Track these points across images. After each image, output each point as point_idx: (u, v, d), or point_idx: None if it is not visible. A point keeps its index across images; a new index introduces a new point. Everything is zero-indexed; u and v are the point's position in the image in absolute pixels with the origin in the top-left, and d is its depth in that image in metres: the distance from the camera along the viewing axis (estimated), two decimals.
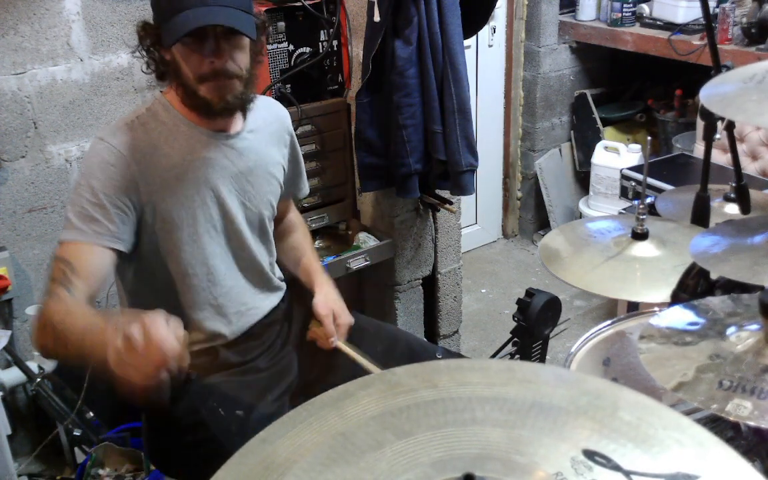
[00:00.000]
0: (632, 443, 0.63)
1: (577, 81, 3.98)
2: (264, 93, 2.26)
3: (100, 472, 2.15)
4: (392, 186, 2.42)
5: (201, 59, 1.43)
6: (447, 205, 2.52)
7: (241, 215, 1.61)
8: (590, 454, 0.62)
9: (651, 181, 2.89)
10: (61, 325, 1.30)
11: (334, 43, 2.40)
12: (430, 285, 2.77)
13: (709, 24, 1.57)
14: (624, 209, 3.01)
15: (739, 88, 1.14)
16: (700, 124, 2.75)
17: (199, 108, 1.50)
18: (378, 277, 2.71)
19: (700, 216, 1.57)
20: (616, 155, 3.64)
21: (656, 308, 1.54)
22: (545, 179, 3.96)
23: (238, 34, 1.43)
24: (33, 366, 2.25)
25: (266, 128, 1.66)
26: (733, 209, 1.70)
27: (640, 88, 4.06)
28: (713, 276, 1.23)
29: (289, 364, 1.71)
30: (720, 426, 1.14)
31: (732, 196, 1.68)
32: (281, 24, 2.27)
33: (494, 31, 3.77)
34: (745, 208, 1.64)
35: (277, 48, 2.29)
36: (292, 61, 2.33)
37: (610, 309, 3.23)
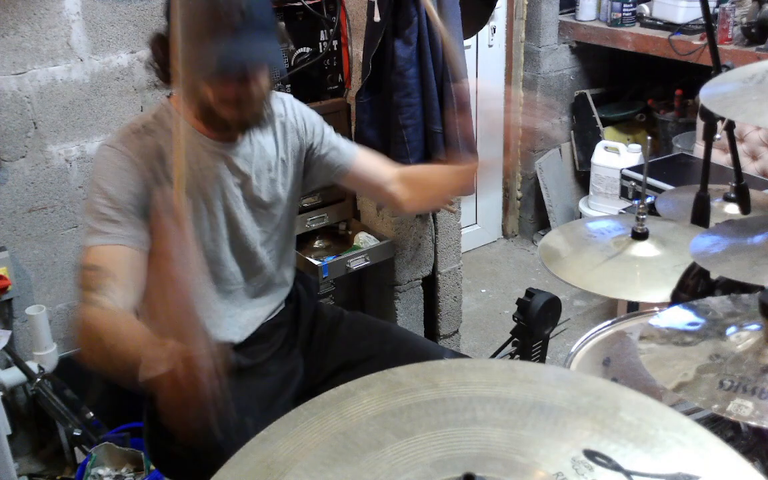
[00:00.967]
0: (633, 443, 0.63)
1: (577, 81, 3.98)
2: None
3: (100, 472, 2.15)
4: None
5: (226, 86, 1.39)
6: (447, 205, 2.52)
7: (248, 220, 1.60)
8: (591, 455, 0.62)
9: (651, 181, 2.89)
10: (106, 335, 1.25)
11: (334, 43, 2.40)
12: (430, 285, 2.77)
13: (709, 24, 1.57)
14: (624, 209, 3.01)
15: (739, 88, 1.14)
16: (700, 124, 2.75)
17: (216, 125, 1.47)
18: (378, 277, 2.71)
19: (700, 216, 1.57)
20: (616, 155, 3.64)
21: (656, 308, 1.54)
22: (545, 179, 3.96)
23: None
24: (33, 366, 2.25)
25: (270, 127, 1.62)
26: (733, 209, 1.69)
27: (640, 88, 4.06)
28: (713, 276, 1.23)
29: (297, 368, 1.70)
30: (720, 426, 1.14)
31: (732, 196, 1.68)
32: (281, 24, 2.26)
33: (494, 31, 3.77)
34: (745, 208, 1.64)
35: None
36: (292, 61, 2.33)
37: (610, 309, 3.23)
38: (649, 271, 1.40)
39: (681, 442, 0.63)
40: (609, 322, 1.64)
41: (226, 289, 1.60)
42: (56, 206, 2.38)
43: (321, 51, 2.38)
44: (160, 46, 1.44)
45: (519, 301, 2.16)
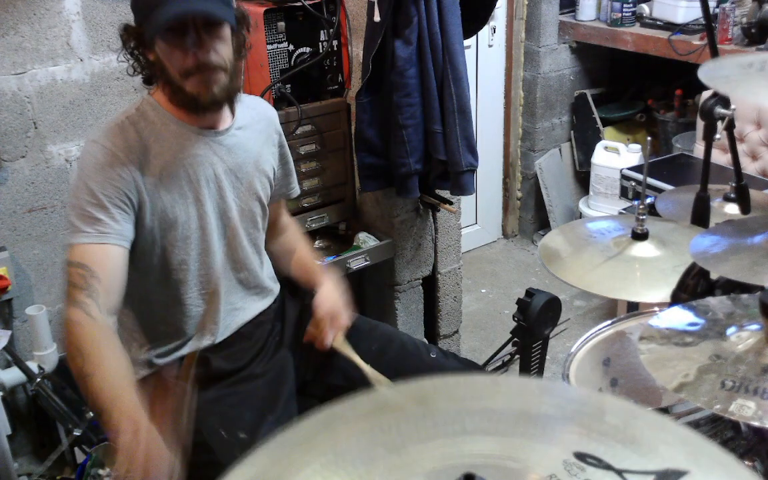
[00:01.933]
0: (621, 444, 0.64)
1: (577, 81, 3.98)
2: (264, 93, 2.26)
3: (100, 472, 2.15)
4: (392, 186, 2.42)
5: (184, 54, 1.43)
6: (447, 205, 2.52)
7: (232, 211, 1.62)
8: (582, 456, 0.62)
9: (651, 181, 2.89)
10: (88, 361, 1.32)
11: (334, 43, 2.40)
12: (430, 285, 2.77)
13: (709, 24, 1.57)
14: (624, 209, 3.01)
15: (739, 71, 1.13)
16: (700, 124, 2.75)
17: (187, 104, 1.50)
18: (378, 277, 2.71)
19: (700, 216, 1.56)
20: (616, 155, 3.64)
21: (656, 308, 1.54)
22: (545, 179, 3.97)
23: (217, 24, 1.44)
24: (33, 366, 2.25)
25: (255, 126, 1.67)
26: (733, 209, 1.69)
27: (640, 88, 4.06)
28: (713, 276, 1.23)
29: (286, 367, 1.70)
30: (720, 426, 1.14)
31: (732, 196, 1.68)
32: (281, 24, 2.26)
33: (494, 31, 3.77)
34: (745, 208, 1.64)
35: (277, 48, 2.28)
36: (292, 61, 2.33)
37: (610, 309, 3.23)
38: (649, 272, 1.40)
39: (666, 441, 0.64)
40: (609, 322, 1.64)
41: (211, 282, 1.61)
42: (56, 206, 2.38)
43: (321, 51, 2.37)
44: (128, 33, 1.49)
45: (519, 301, 2.16)
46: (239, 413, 1.55)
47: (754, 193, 1.69)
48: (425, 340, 2.74)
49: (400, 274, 2.65)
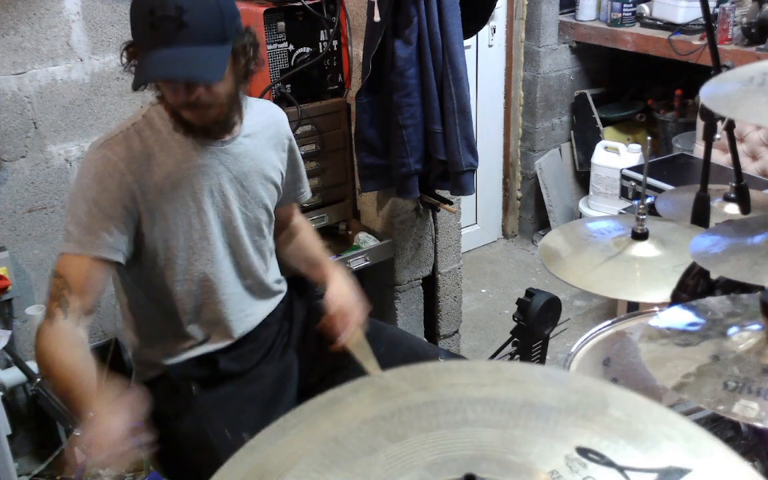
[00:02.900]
0: (624, 439, 0.63)
1: (577, 81, 3.98)
2: (264, 93, 2.26)
3: (100, 472, 2.15)
4: (392, 186, 2.42)
5: (175, 93, 1.41)
6: (447, 205, 2.52)
7: (237, 220, 1.60)
8: (584, 452, 0.62)
9: (651, 181, 2.89)
10: (50, 363, 1.38)
11: (334, 43, 2.40)
12: (430, 285, 2.77)
13: (709, 24, 1.57)
14: (624, 209, 3.01)
15: (740, 88, 1.14)
16: (700, 124, 2.75)
17: (184, 126, 1.49)
18: (378, 277, 2.71)
19: (700, 216, 1.56)
20: (616, 155, 3.64)
21: (656, 308, 1.54)
22: (545, 179, 3.96)
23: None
24: (33, 366, 2.24)
25: (263, 132, 1.64)
26: (733, 209, 1.69)
27: (640, 88, 4.06)
28: (713, 276, 1.23)
29: (291, 368, 1.70)
30: (720, 426, 1.14)
31: (732, 196, 1.68)
32: (281, 24, 2.26)
33: (494, 31, 3.77)
34: (745, 208, 1.64)
35: (277, 48, 2.28)
36: (292, 61, 2.33)
37: (610, 309, 3.23)
38: (649, 271, 1.40)
39: (670, 436, 0.64)
40: (609, 322, 1.64)
41: (218, 291, 1.61)
42: (56, 206, 2.38)
43: (321, 51, 2.37)
44: (129, 53, 1.46)
45: (519, 301, 2.16)
46: (245, 414, 1.54)
47: (754, 193, 1.69)
48: (432, 344, 2.73)
49: (400, 274, 2.65)
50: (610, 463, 0.61)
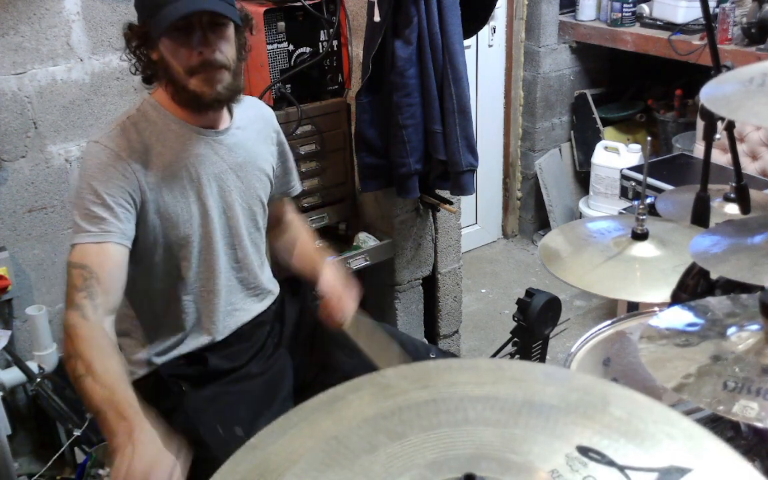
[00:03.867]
0: (624, 438, 0.63)
1: (577, 81, 3.98)
2: (264, 93, 2.26)
3: (100, 472, 2.15)
4: (392, 186, 2.42)
5: (189, 52, 1.45)
6: (447, 205, 2.52)
7: (234, 209, 1.63)
8: (584, 451, 0.62)
9: (651, 181, 2.89)
10: (85, 371, 1.28)
11: (334, 43, 2.39)
12: (430, 285, 2.77)
13: (709, 24, 1.57)
14: (624, 209, 3.01)
15: (740, 89, 1.13)
16: (700, 124, 2.75)
17: (190, 102, 1.51)
18: (378, 277, 2.70)
19: (700, 216, 1.56)
20: (616, 155, 3.64)
21: (656, 308, 1.54)
22: (545, 179, 3.96)
23: (223, 23, 1.46)
24: (33, 366, 2.25)
25: (253, 126, 1.68)
26: (733, 209, 1.69)
27: (640, 88, 4.05)
28: (713, 276, 1.23)
29: (284, 367, 1.70)
30: (720, 426, 1.14)
31: (732, 196, 1.68)
32: (281, 24, 2.26)
33: (494, 31, 3.77)
34: (745, 208, 1.64)
35: (277, 48, 2.28)
36: (292, 61, 2.33)
37: (610, 309, 3.23)
38: (649, 271, 1.40)
39: (670, 435, 0.64)
40: (609, 322, 1.64)
41: (212, 280, 1.62)
42: (56, 206, 2.38)
43: (321, 51, 2.37)
44: (132, 32, 1.51)
45: (519, 301, 2.16)
46: (236, 410, 1.55)
47: (754, 193, 1.69)
48: (425, 341, 2.74)
49: (400, 274, 2.65)
50: (610, 462, 0.61)
